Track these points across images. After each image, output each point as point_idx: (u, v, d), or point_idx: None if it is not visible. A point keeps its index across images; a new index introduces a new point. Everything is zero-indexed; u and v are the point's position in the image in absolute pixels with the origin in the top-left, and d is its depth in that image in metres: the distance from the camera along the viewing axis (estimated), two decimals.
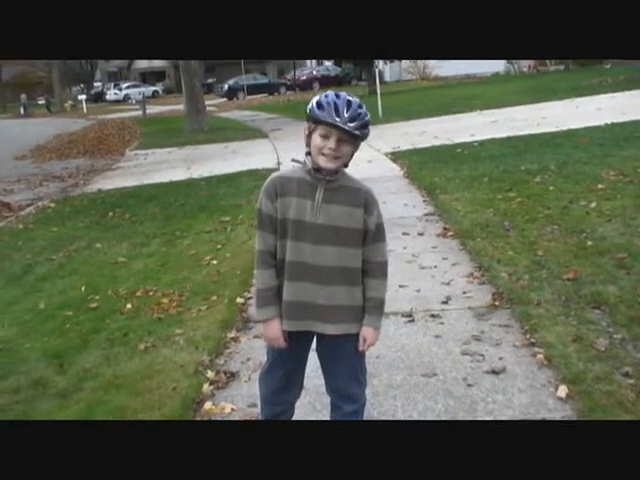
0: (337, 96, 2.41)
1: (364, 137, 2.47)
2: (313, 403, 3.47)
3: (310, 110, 2.43)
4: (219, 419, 3.49)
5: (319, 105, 2.40)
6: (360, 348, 2.61)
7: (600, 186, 7.48)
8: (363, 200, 2.53)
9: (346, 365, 2.67)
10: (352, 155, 2.53)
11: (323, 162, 2.44)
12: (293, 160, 2.64)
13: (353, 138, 2.44)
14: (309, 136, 2.48)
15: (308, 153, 2.51)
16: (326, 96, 2.42)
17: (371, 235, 2.56)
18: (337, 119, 2.36)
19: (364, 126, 2.43)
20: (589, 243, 5.59)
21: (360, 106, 2.42)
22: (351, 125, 2.37)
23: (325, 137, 2.41)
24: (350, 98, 2.42)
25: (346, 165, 2.54)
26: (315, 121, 2.43)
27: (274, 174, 2.62)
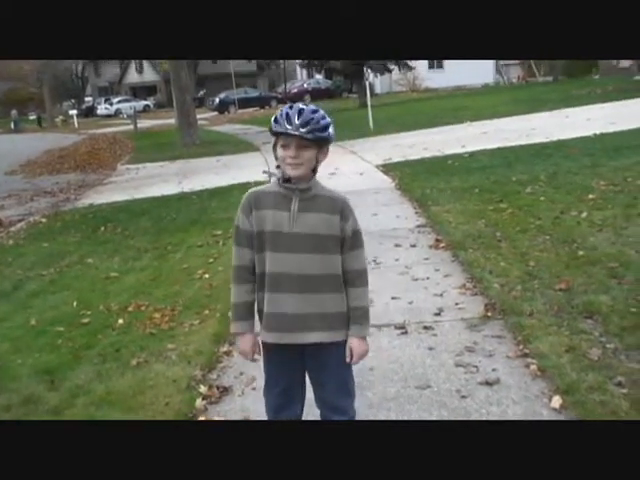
0: (290, 107, 2.48)
1: (323, 140, 2.50)
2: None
3: (269, 126, 2.51)
4: (215, 419, 3.46)
5: (275, 119, 2.48)
6: (347, 359, 2.61)
7: (591, 196, 7.51)
8: (339, 207, 2.57)
9: (334, 375, 2.67)
10: (317, 160, 2.55)
11: (289, 170, 2.50)
12: (265, 172, 2.71)
13: (313, 143, 2.47)
14: (274, 149, 2.56)
15: (278, 166, 2.57)
16: (281, 110, 2.50)
17: (349, 242, 2.58)
18: (288, 127, 2.42)
19: (320, 129, 2.45)
20: (580, 253, 5.60)
21: (314, 112, 2.46)
22: (302, 130, 2.42)
23: (285, 147, 2.48)
24: (303, 106, 2.48)
25: (314, 171, 2.57)
26: (274, 134, 2.50)
27: (250, 190, 2.67)
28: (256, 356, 2.69)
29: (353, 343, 2.60)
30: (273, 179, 2.63)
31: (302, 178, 2.52)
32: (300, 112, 2.44)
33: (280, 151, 2.50)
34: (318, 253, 2.53)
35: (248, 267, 2.60)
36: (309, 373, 2.72)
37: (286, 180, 2.54)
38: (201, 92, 53.78)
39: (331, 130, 2.51)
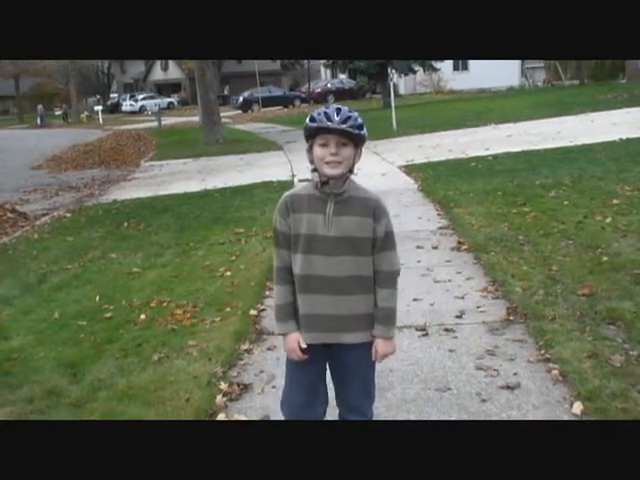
0: (327, 107, 2.52)
1: (361, 138, 2.53)
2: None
3: (305, 126, 2.53)
4: (230, 419, 3.48)
5: (312, 119, 2.50)
6: (373, 358, 2.64)
7: (615, 201, 7.45)
8: (372, 209, 2.57)
9: (359, 377, 2.69)
10: (354, 160, 2.57)
11: (328, 170, 2.50)
12: (301, 180, 2.71)
13: (351, 140, 2.50)
14: (310, 152, 2.56)
15: (314, 170, 2.57)
16: (317, 111, 2.53)
17: (380, 242, 2.58)
18: (329, 123, 2.44)
19: (359, 127, 2.49)
20: (604, 258, 5.55)
21: (350, 111, 2.50)
22: (344, 125, 2.45)
23: (324, 145, 2.49)
24: (340, 106, 2.53)
25: (351, 171, 2.58)
26: (311, 134, 2.52)
27: (286, 193, 2.68)
28: (304, 354, 2.64)
29: (378, 344, 2.62)
30: (307, 182, 2.64)
31: (340, 178, 2.53)
32: (338, 110, 2.48)
33: (318, 150, 2.50)
34: (352, 255, 2.55)
35: (287, 268, 2.64)
36: (332, 373, 2.75)
37: (324, 183, 2.54)
38: (225, 89, 53.72)
39: (365, 129, 2.53)
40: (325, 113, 2.46)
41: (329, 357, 2.70)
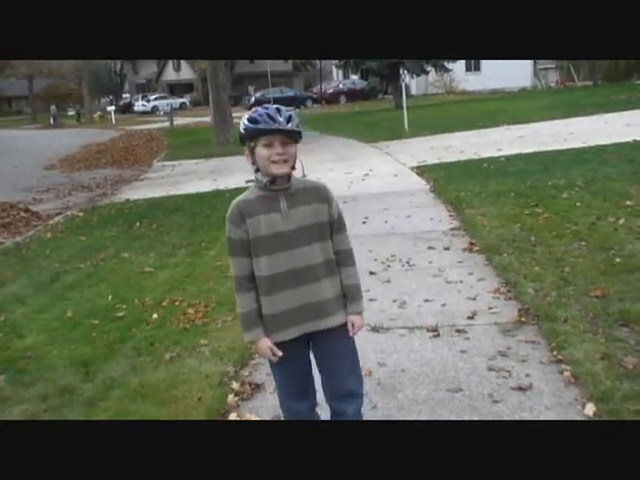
0: (265, 108, 2.55)
1: (301, 135, 2.59)
2: None
3: (245, 129, 2.55)
4: (233, 419, 3.49)
5: (253, 120, 2.52)
6: (350, 333, 2.69)
7: (629, 202, 7.40)
8: (324, 195, 2.66)
9: (343, 358, 2.74)
10: (296, 157, 2.61)
11: (276, 169, 2.53)
12: (247, 181, 2.77)
13: (293, 139, 2.56)
14: (252, 154, 2.58)
15: (257, 170, 2.61)
16: (255, 111, 2.55)
17: (336, 225, 2.69)
18: (276, 124, 2.48)
19: (298, 125, 2.55)
20: (617, 260, 5.53)
21: (288, 110, 2.57)
22: (290, 125, 2.50)
23: (269, 145, 2.52)
24: (277, 106, 2.58)
25: (293, 167, 2.62)
26: (254, 136, 2.53)
27: (234, 201, 2.68)
28: (278, 353, 2.68)
29: (355, 319, 2.70)
30: (252, 185, 2.67)
31: (287, 175, 2.58)
32: (279, 110, 2.52)
33: (263, 151, 2.52)
34: (314, 242, 2.61)
35: (248, 276, 2.65)
36: (319, 363, 2.78)
37: (271, 183, 2.57)
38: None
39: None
40: (267, 114, 2.49)
41: (312, 349, 2.75)
